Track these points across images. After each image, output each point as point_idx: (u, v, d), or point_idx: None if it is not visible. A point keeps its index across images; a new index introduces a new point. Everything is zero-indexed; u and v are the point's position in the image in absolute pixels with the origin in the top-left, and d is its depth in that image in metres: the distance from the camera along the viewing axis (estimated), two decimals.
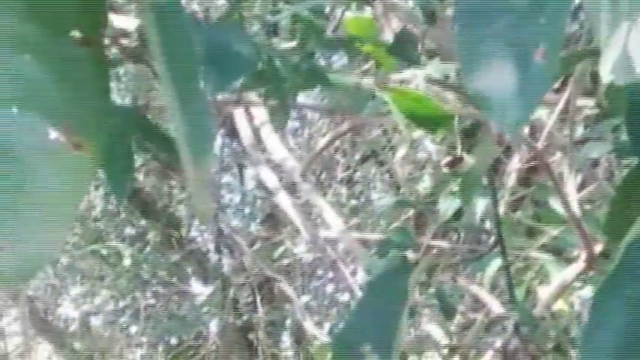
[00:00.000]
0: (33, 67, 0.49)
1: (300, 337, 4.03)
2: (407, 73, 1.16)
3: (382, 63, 1.21)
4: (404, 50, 1.19)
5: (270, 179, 2.46)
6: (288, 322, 4.22)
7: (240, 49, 0.91)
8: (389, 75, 1.18)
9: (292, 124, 4.35)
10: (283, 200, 2.40)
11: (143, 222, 4.34)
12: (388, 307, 0.90)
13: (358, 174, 4.21)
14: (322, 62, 2.68)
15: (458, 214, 1.81)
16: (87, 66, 0.50)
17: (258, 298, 3.87)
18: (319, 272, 4.27)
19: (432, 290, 1.82)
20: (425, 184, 3.08)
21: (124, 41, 0.95)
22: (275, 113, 1.16)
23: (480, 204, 1.73)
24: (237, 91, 1.28)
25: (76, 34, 0.50)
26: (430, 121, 1.16)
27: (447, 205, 1.72)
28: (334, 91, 1.28)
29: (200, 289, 4.16)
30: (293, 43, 1.19)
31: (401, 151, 2.77)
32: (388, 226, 2.91)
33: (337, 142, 3.65)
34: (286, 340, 4.31)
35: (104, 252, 3.79)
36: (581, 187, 1.90)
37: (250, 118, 2.40)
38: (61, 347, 4.67)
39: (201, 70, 0.94)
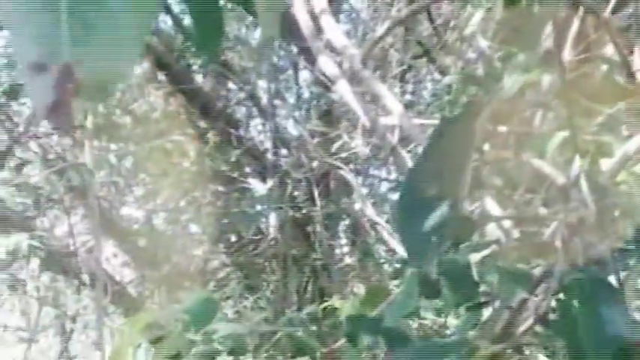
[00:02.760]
0: None
1: (356, 229, 4.05)
2: None
3: None
4: None
5: (330, 67, 2.43)
6: (344, 219, 4.24)
7: None
8: None
9: (344, 26, 4.30)
10: (343, 88, 2.37)
11: (203, 123, 4.35)
12: (454, 150, 0.87)
13: (409, 75, 4.18)
14: None
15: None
16: None
17: (316, 193, 3.88)
18: (374, 172, 4.28)
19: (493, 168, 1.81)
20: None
21: None
22: None
23: (545, 80, 1.70)
24: None
25: None
26: None
27: (513, 81, 1.69)
28: None
29: (259, 186, 4.17)
30: None
31: (477, 17, 2.72)
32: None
33: (390, 40, 3.61)
34: (342, 232, 4.34)
35: (168, 146, 3.81)
36: None
37: (310, 6, 2.37)
38: (126, 245, 4.74)
39: None
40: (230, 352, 1.50)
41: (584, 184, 1.52)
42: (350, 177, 3.27)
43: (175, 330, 1.43)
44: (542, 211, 1.71)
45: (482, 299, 1.67)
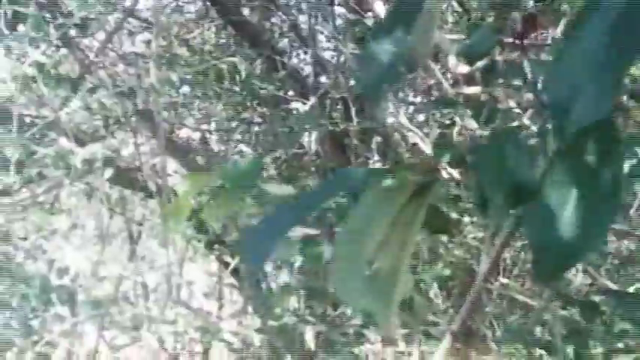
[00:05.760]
0: None
1: (388, 141, 4.05)
2: None
3: None
4: None
5: None
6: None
7: None
8: None
9: None
10: (379, 8, 2.38)
11: (251, 52, 4.35)
12: (415, 9, 0.87)
13: None
14: None
15: None
16: None
17: (352, 110, 3.88)
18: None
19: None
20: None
21: None
22: None
23: None
24: None
25: None
26: None
27: None
28: None
29: (301, 107, 4.19)
30: None
31: None
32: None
33: None
34: (375, 144, 4.34)
35: (223, 66, 3.82)
36: None
37: None
38: (185, 162, 4.78)
39: None
40: None
41: None
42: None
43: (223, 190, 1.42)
44: None
45: None
